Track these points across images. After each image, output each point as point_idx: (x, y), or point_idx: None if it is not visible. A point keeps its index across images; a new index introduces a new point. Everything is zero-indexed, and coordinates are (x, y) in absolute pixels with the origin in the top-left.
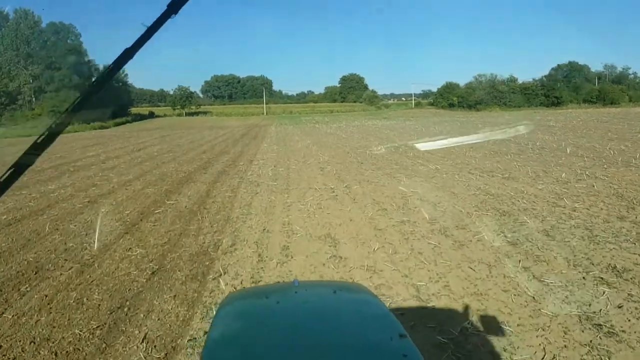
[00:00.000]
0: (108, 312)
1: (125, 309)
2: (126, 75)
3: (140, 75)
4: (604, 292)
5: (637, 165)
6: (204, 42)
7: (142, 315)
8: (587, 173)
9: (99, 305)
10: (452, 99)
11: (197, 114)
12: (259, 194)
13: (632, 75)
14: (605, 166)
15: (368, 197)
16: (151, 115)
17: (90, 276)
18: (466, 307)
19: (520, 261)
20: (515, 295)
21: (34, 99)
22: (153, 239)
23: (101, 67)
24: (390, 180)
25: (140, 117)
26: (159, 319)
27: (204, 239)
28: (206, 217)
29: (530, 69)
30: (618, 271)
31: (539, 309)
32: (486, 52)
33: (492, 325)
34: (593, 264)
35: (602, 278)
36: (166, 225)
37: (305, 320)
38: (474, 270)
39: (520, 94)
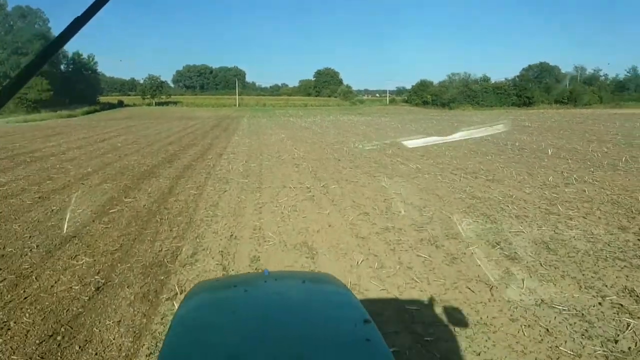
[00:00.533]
0: (36, 342)
1: (59, 338)
2: (95, 63)
3: (110, 63)
4: (628, 325)
5: (625, 169)
6: (176, 30)
7: (77, 347)
8: (575, 177)
9: (28, 331)
10: (426, 96)
11: (167, 103)
12: (228, 192)
13: (603, 77)
14: (591, 169)
15: (348, 198)
16: (120, 104)
17: (24, 291)
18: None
19: (523, 280)
20: (526, 326)
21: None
22: (103, 245)
23: (70, 54)
24: (371, 180)
25: (110, 106)
26: (96, 354)
27: (161, 246)
28: (166, 218)
29: (502, 68)
30: (637, 296)
31: (557, 346)
32: (459, 51)
33: None
34: (607, 286)
35: (621, 305)
36: (120, 228)
37: (273, 310)
38: (473, 291)
39: (492, 93)
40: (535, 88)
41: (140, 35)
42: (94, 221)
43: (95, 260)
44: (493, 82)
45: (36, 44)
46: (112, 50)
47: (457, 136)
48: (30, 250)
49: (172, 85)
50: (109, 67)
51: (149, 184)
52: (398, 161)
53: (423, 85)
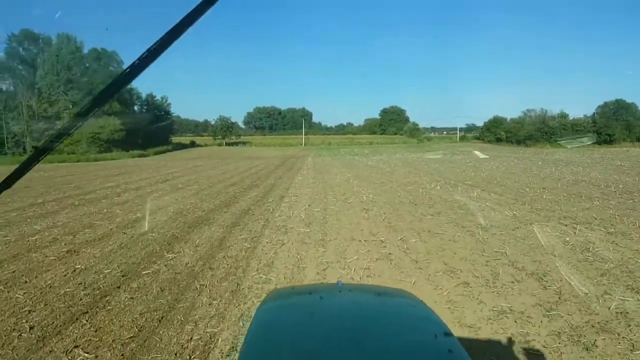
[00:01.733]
0: None
1: None
2: (169, 104)
3: (185, 106)
4: None
5: None
6: (248, 72)
7: None
8: None
9: None
10: (499, 133)
11: (237, 144)
12: (286, 245)
13: None
14: None
15: (436, 258)
16: (192, 144)
17: None
18: None
19: None
20: None
21: None
22: (117, 328)
23: (144, 95)
24: (460, 233)
25: (181, 147)
26: None
27: (192, 333)
28: (208, 285)
29: (576, 106)
30: None
31: None
32: (533, 87)
33: None
34: None
35: None
36: (148, 299)
37: (349, 319)
38: None
39: (571, 130)
40: (616, 125)
41: (214, 77)
42: (119, 287)
43: (96, 358)
44: (571, 118)
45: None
46: (186, 93)
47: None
48: (20, 334)
49: (242, 126)
50: (183, 108)
51: (200, 234)
52: (487, 207)
53: (496, 122)
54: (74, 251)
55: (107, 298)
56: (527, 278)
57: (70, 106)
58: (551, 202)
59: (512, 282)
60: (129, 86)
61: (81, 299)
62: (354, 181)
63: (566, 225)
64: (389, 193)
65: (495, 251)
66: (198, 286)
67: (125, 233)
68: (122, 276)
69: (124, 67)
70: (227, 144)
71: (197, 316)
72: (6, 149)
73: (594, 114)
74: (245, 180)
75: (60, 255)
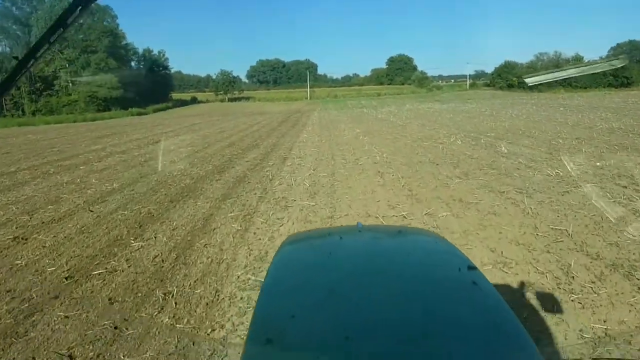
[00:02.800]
0: None
1: None
2: (166, 59)
3: (186, 61)
4: None
5: None
6: (249, 25)
7: None
8: None
9: None
10: (511, 79)
11: (239, 99)
12: (285, 226)
13: None
14: None
15: (476, 242)
16: (193, 100)
17: None
18: None
19: None
20: None
21: (70, 84)
22: None
23: (140, 50)
24: (500, 201)
25: (182, 103)
26: None
27: None
28: (175, 293)
29: (588, 48)
30: None
31: None
32: (544, 29)
33: None
34: None
35: None
36: (86, 322)
37: (369, 254)
38: None
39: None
40: (633, 67)
41: (215, 31)
42: (56, 297)
43: None
44: (586, 61)
45: (104, 40)
46: (186, 46)
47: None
48: None
49: (246, 80)
50: (184, 64)
51: (181, 211)
52: (522, 164)
53: (508, 67)
54: (23, 238)
55: (34, 318)
56: (611, 274)
57: (67, 65)
58: (594, 157)
59: (593, 281)
60: (124, 41)
61: (10, 312)
62: (364, 138)
63: (625, 187)
64: (404, 151)
65: (553, 228)
66: (162, 295)
67: (92, 211)
68: (67, 278)
69: (117, 21)
70: (230, 100)
71: (149, 354)
72: (4, 111)
73: (607, 56)
74: (245, 140)
75: (4, 244)
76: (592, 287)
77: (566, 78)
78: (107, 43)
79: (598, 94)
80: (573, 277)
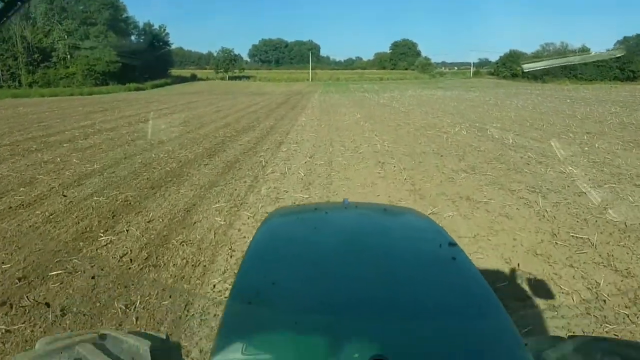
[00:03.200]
0: None
1: None
2: (167, 34)
3: (187, 37)
4: None
5: None
6: (253, 2)
7: None
8: None
9: None
10: (515, 68)
11: (240, 78)
12: None
13: None
14: None
15: (488, 249)
16: (193, 77)
17: None
18: None
19: None
20: None
21: (68, 56)
22: None
23: (141, 24)
24: (512, 201)
25: (181, 80)
26: None
27: None
28: (139, 303)
29: (596, 40)
30: None
31: None
32: (552, 18)
33: None
34: None
35: None
36: (38, 331)
37: (353, 230)
38: None
39: (592, 66)
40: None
41: (218, 8)
42: (3, 304)
43: None
44: (593, 53)
45: (105, 13)
46: (188, 22)
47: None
48: None
49: (248, 59)
50: (186, 40)
51: (162, 199)
52: (532, 158)
53: (513, 56)
54: None
55: None
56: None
57: (66, 36)
58: (609, 154)
59: (628, 306)
60: (124, 14)
61: None
62: (365, 124)
63: None
64: (407, 139)
65: (573, 236)
66: (123, 307)
67: (65, 196)
68: (20, 279)
69: None
70: (230, 78)
71: None
72: (1, 82)
73: (613, 49)
74: (241, 121)
75: None
76: (627, 314)
77: (571, 70)
78: (107, 15)
79: (604, 86)
80: (604, 301)
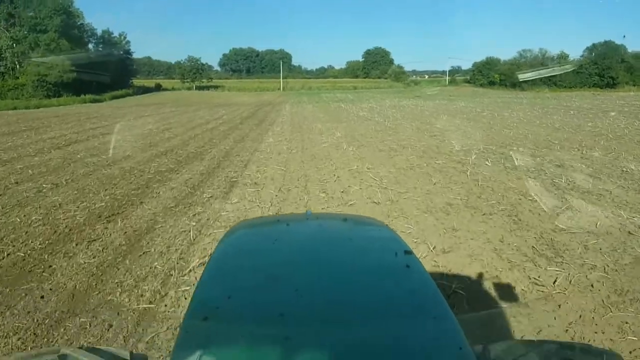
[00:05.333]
0: None
1: None
2: (127, 42)
3: (156, 46)
4: None
5: None
6: (223, 11)
7: None
8: None
9: None
10: (493, 76)
11: (208, 88)
12: None
13: None
14: None
15: None
16: (157, 88)
17: None
18: None
19: None
20: None
21: (17, 65)
22: None
23: (99, 31)
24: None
25: (144, 90)
26: None
27: None
28: None
29: (563, 47)
30: None
31: None
32: (528, 25)
33: None
34: None
35: None
36: None
37: (313, 240)
38: None
39: (571, 72)
40: (619, 67)
41: (188, 17)
42: None
43: None
44: (572, 59)
45: (56, 19)
46: (156, 31)
47: None
48: None
49: (218, 69)
50: (154, 49)
51: None
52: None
53: (489, 63)
54: None
55: None
56: None
57: (14, 45)
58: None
59: None
60: (79, 21)
61: None
62: (348, 147)
63: None
64: (413, 177)
65: None
66: None
67: None
68: None
69: None
70: (198, 88)
71: None
72: None
73: (582, 55)
74: (190, 144)
75: None
76: None
77: (550, 77)
78: (59, 22)
79: (585, 93)
80: None
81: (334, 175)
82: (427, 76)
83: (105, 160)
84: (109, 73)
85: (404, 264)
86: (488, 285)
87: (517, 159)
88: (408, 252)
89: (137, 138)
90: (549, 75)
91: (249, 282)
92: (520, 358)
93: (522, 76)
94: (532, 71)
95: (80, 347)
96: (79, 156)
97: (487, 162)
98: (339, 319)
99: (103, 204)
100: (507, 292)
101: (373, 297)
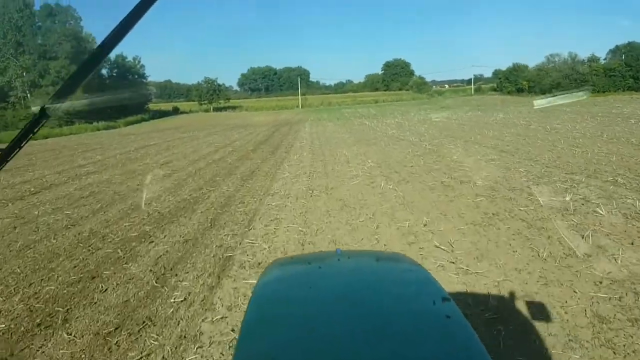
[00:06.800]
0: None
1: None
2: (142, 66)
3: (175, 69)
4: None
5: None
6: (240, 32)
7: None
8: None
9: None
10: (521, 83)
11: (225, 109)
12: None
13: None
14: None
15: None
16: (175, 111)
17: None
18: None
19: None
20: None
21: (28, 95)
22: None
23: (113, 56)
24: None
25: (161, 114)
26: None
27: None
28: None
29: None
30: None
31: None
32: (551, 29)
33: None
34: None
35: None
36: None
37: (347, 286)
38: None
39: (604, 76)
40: None
41: (205, 37)
42: None
43: None
44: (603, 62)
45: (66, 45)
46: (175, 54)
47: None
48: None
49: (237, 88)
50: (174, 72)
51: None
52: None
53: (516, 70)
54: None
55: None
56: None
57: (24, 73)
58: None
59: None
60: (88, 45)
61: None
62: (386, 184)
63: None
64: (496, 237)
65: None
66: None
67: None
68: None
69: (82, 23)
70: (215, 109)
71: None
72: None
73: (606, 58)
74: (185, 186)
75: None
76: None
77: (582, 81)
78: (68, 48)
79: (622, 98)
80: None
81: (377, 240)
82: (447, 86)
83: (65, 219)
84: (123, 98)
85: (443, 313)
86: None
87: (631, 202)
88: (446, 299)
89: (125, 178)
90: (565, 102)
91: (289, 338)
92: None
93: (538, 103)
94: (547, 97)
95: None
96: (37, 212)
97: (599, 210)
98: None
99: (4, 326)
100: None
101: (417, 356)
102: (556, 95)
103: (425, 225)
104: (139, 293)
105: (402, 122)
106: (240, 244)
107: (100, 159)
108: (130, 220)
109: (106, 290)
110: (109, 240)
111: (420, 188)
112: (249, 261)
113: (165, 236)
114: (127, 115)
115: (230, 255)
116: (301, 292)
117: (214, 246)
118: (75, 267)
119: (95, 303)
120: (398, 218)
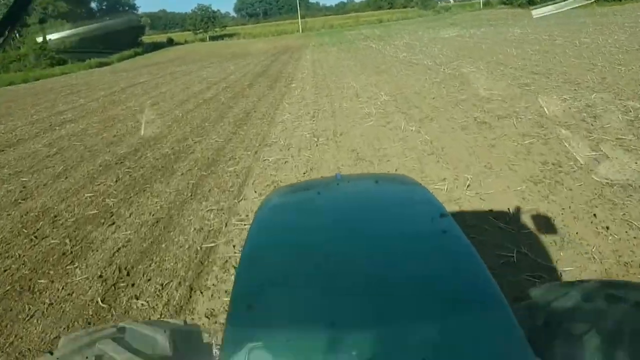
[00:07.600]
0: None
1: None
2: None
3: None
4: None
5: None
6: None
7: None
8: None
9: None
10: None
11: (222, 37)
12: None
13: None
14: None
15: None
16: (170, 42)
17: None
18: None
19: None
20: None
21: (17, 35)
22: None
23: None
24: None
25: (155, 47)
26: None
27: None
28: None
29: None
30: None
31: None
32: None
33: None
34: None
35: None
36: None
37: (346, 209)
38: None
39: None
40: None
41: None
42: None
43: None
44: None
45: None
46: None
47: None
48: None
49: (234, 14)
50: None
51: None
52: None
53: None
54: None
55: None
56: None
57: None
58: None
59: None
60: None
61: None
62: (408, 124)
63: None
64: (557, 196)
65: None
66: None
67: None
68: None
69: None
70: (211, 38)
71: None
72: None
73: None
74: (170, 135)
75: None
76: None
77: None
78: None
79: (633, 5)
80: None
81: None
82: (452, 1)
83: (19, 189)
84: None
85: (440, 229)
86: None
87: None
88: (444, 215)
89: (102, 127)
90: (568, 8)
91: (290, 264)
92: (561, 297)
93: (536, 12)
94: (547, 5)
95: (136, 321)
96: None
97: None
98: (384, 310)
99: None
100: None
101: (415, 272)
102: (556, 3)
103: (468, 186)
104: (75, 322)
105: (411, 43)
106: (226, 225)
107: (83, 102)
108: (94, 189)
109: (32, 316)
110: (60, 222)
111: (449, 128)
112: (235, 257)
113: (131, 214)
114: (120, 50)
115: (212, 247)
116: (301, 218)
117: (192, 230)
118: (5, 271)
119: (7, 345)
120: (430, 175)
